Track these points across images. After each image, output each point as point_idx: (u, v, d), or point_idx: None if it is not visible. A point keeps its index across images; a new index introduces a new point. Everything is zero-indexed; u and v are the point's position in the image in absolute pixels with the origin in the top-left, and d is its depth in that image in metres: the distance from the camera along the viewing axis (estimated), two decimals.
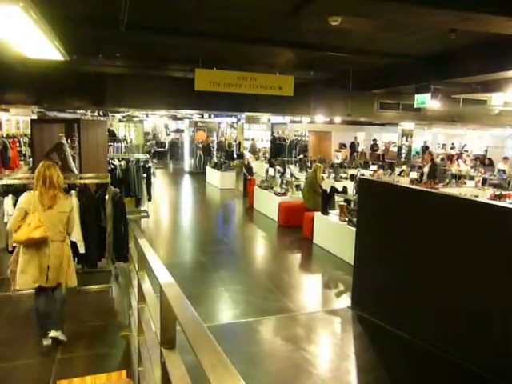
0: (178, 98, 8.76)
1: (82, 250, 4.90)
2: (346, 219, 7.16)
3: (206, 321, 4.35)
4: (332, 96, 9.70)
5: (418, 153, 17.44)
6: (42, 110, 13.57)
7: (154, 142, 23.96)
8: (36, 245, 3.78)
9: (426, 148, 17.71)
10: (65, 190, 4.47)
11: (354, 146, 20.08)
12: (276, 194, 9.98)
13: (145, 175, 8.97)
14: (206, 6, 5.02)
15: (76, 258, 4.97)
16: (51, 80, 7.55)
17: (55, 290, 4.02)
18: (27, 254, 3.79)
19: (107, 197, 5.11)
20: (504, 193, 10.29)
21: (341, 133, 19.72)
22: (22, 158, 13.88)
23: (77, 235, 4.80)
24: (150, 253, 2.72)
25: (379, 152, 20.24)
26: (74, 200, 4.73)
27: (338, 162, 15.64)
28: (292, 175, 11.19)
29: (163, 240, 8.45)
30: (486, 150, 17.62)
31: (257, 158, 17.51)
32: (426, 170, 11.64)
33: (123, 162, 8.74)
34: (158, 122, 26.42)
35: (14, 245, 4.96)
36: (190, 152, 19.26)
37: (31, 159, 9.24)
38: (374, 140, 20.88)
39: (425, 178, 11.64)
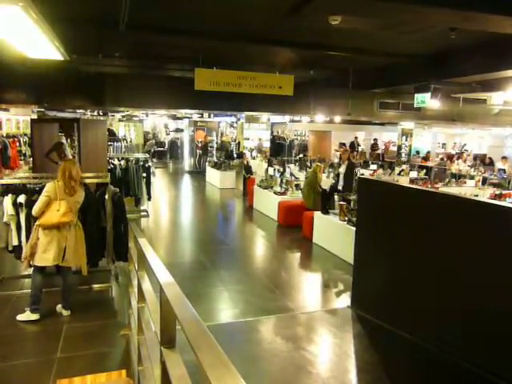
0: (178, 98, 8.75)
1: None
2: (346, 219, 7.16)
3: (206, 320, 4.35)
4: (332, 95, 9.69)
5: (418, 152, 17.46)
6: (42, 109, 13.58)
7: (154, 141, 23.96)
8: (57, 228, 4.36)
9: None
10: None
11: (353, 146, 20.07)
12: (276, 193, 9.98)
13: (144, 175, 8.97)
14: (205, 5, 5.02)
15: None
16: (51, 79, 7.54)
17: (64, 273, 4.62)
18: (49, 236, 4.35)
19: (107, 196, 5.11)
20: (504, 192, 10.30)
21: (340, 132, 19.71)
22: (22, 157, 13.88)
23: None
24: (150, 252, 2.72)
25: (379, 151, 20.25)
26: None
27: (338, 161, 15.63)
28: (292, 174, 11.20)
29: (163, 239, 8.45)
30: (485, 154, 17.59)
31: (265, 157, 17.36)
32: (341, 170, 9.19)
33: (123, 162, 8.74)
34: (158, 121, 26.41)
35: (14, 244, 5.03)
36: (190, 151, 19.25)
37: (31, 159, 9.23)
38: (375, 139, 20.88)
39: (341, 181, 9.14)
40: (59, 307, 4.65)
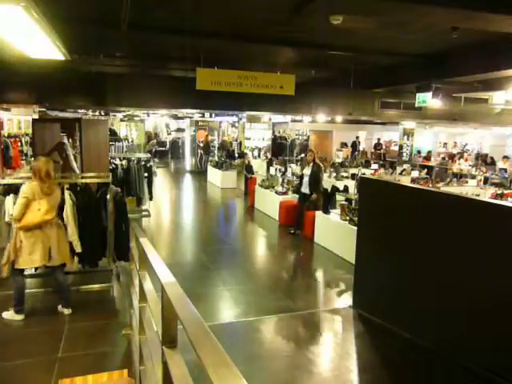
0: (179, 98, 8.75)
1: (78, 249, 4.86)
2: (347, 218, 7.15)
3: (208, 320, 4.35)
4: (333, 95, 9.69)
5: (419, 151, 17.43)
6: (44, 109, 13.57)
7: (155, 141, 23.98)
8: (40, 227, 4.30)
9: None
10: (62, 188, 4.88)
11: (355, 145, 20.06)
12: (277, 193, 9.97)
13: (146, 174, 8.98)
14: (207, 4, 5.02)
15: (77, 258, 5.01)
16: (52, 79, 7.55)
17: (55, 272, 4.58)
18: (32, 237, 4.28)
19: (108, 196, 5.12)
20: (505, 191, 10.29)
21: (342, 132, 19.70)
22: (24, 157, 13.89)
23: (72, 234, 4.79)
24: (151, 252, 2.72)
25: (382, 151, 20.25)
26: (67, 197, 4.83)
27: (339, 161, 15.63)
28: (293, 174, 11.18)
29: (164, 239, 8.46)
30: (487, 153, 17.55)
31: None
32: (306, 172, 8.26)
33: (124, 162, 8.75)
34: (159, 121, 26.43)
35: None
36: (191, 151, 19.27)
37: (33, 159, 9.24)
38: (378, 139, 20.86)
39: (305, 186, 8.19)
40: (60, 307, 4.65)
